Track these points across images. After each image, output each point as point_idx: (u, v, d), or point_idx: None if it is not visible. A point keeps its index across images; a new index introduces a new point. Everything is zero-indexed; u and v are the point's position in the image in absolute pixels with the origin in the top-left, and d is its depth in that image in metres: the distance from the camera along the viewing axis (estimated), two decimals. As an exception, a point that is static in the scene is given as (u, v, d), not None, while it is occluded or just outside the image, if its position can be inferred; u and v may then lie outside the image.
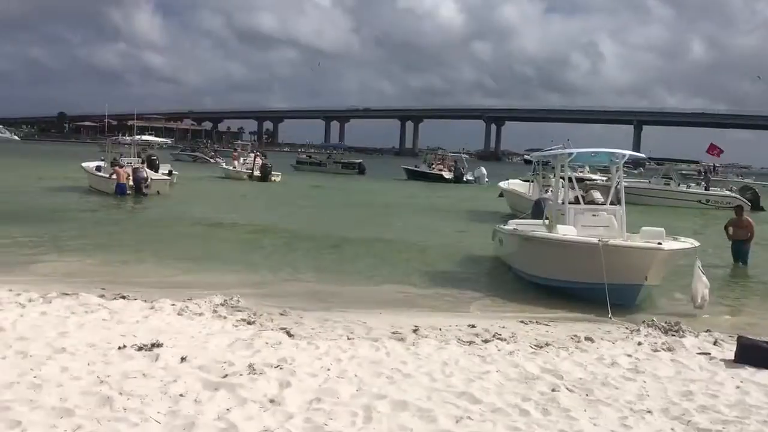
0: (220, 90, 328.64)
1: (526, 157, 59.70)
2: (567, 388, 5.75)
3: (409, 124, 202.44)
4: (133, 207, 23.42)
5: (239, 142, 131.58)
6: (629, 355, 7.01)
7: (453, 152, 61.80)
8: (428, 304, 9.98)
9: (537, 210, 16.71)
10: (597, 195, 16.40)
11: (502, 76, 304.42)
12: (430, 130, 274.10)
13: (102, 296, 8.11)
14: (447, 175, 50.71)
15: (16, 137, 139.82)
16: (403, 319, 8.21)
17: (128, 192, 25.54)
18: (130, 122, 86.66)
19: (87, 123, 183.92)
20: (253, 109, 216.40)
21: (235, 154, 48.99)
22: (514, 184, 26.98)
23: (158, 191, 26.61)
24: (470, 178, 51.16)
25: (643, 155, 25.94)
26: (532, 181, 24.16)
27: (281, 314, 7.99)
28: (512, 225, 14.43)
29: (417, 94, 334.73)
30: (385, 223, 21.06)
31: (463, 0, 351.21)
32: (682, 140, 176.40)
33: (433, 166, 53.50)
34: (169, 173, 30.25)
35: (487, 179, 51.21)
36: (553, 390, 5.66)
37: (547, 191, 23.04)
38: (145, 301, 8.01)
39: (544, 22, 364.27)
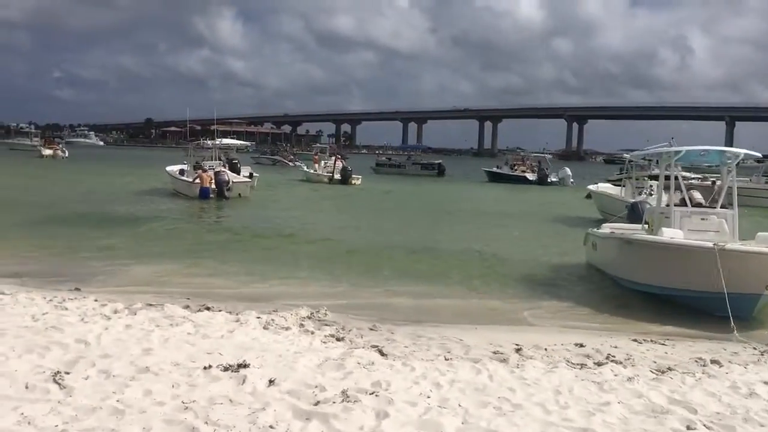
0: (299, 93, 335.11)
1: (625, 155, 57.40)
2: (704, 425, 4.97)
3: (488, 124, 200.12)
4: (215, 211, 23.56)
5: (317, 145, 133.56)
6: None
7: (535, 152, 60.21)
8: (524, 318, 9.28)
9: (634, 214, 15.70)
10: (697, 196, 15.17)
11: (583, 74, 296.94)
12: (510, 130, 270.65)
13: (187, 307, 7.83)
14: (530, 176, 49.24)
15: (101, 143, 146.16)
16: (502, 336, 7.56)
17: (211, 195, 25.81)
18: (212, 127, 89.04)
19: (172, 128, 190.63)
20: (331, 112, 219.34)
21: (316, 157, 49.18)
22: (604, 187, 25.61)
23: (240, 194, 26.78)
24: (554, 179, 49.48)
25: (758, 154, 24.12)
26: (623, 184, 22.95)
27: (371, 329, 7.50)
28: (607, 228, 13.58)
29: (495, 93, 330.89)
30: (470, 230, 20.29)
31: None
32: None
33: (516, 167, 52.07)
34: (250, 176, 30.34)
35: (572, 180, 49.54)
36: (688, 428, 4.89)
37: (640, 193, 21.82)
38: (230, 313, 7.68)
39: (628, 16, 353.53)
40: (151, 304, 7.74)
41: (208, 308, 7.86)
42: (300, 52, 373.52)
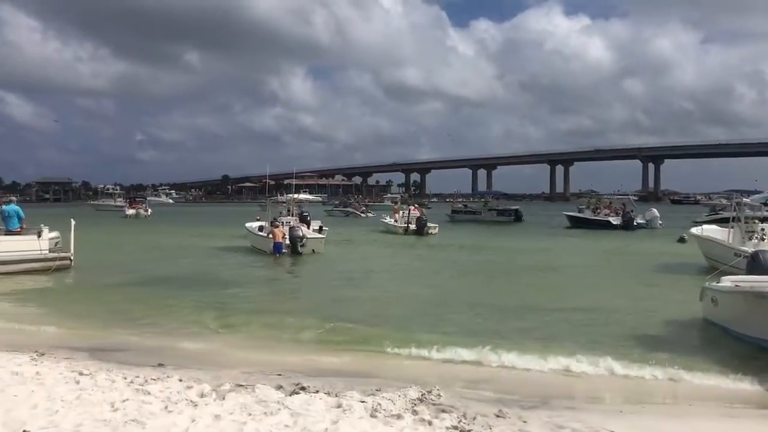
0: (368, 144, 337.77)
1: (721, 200, 54.25)
2: None
3: (559, 168, 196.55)
4: (290, 268, 22.93)
5: (388, 195, 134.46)
6: None
7: (616, 195, 57.74)
8: (670, 395, 7.87)
9: (756, 264, 14.00)
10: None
11: (657, 113, 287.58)
12: (581, 173, 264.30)
13: (279, 387, 6.86)
14: (614, 220, 46.71)
15: (170, 200, 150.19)
16: (660, 425, 6.22)
17: (284, 251, 25.55)
18: (286, 181, 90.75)
19: (247, 184, 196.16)
20: (400, 162, 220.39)
21: (396, 207, 48.62)
22: (710, 231, 23.43)
23: (313, 250, 26.41)
24: (641, 221, 46.95)
25: None
26: (731, 227, 20.90)
27: (497, 416, 6.29)
28: (729, 281, 12.04)
29: (565, 136, 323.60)
30: (566, 284, 18.79)
31: (612, 37, 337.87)
32: None
33: (598, 210, 49.81)
34: (320, 229, 30.13)
35: (660, 222, 46.95)
36: None
37: (750, 238, 19.85)
38: (329, 394, 6.65)
39: (701, 52, 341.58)
40: (240, 385, 6.83)
41: (302, 388, 6.86)
42: (368, 105, 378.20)
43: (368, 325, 11.67)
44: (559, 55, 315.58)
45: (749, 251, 17.22)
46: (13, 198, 25.92)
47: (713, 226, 24.73)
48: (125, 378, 7.01)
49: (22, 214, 20.02)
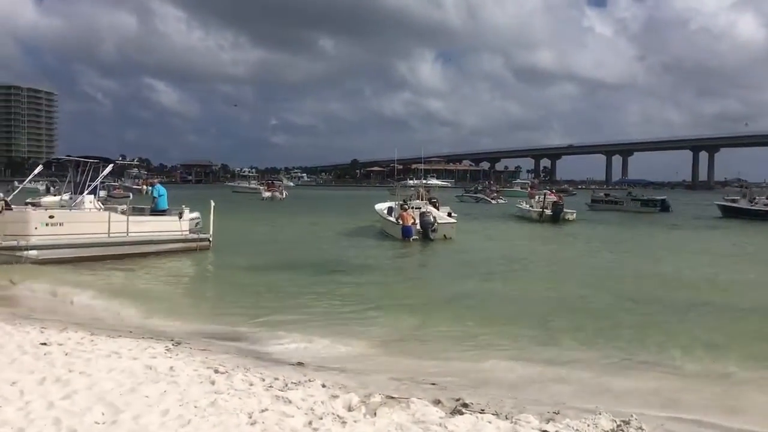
0: (497, 129, 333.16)
1: None
2: None
3: (703, 155, 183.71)
4: (422, 256, 22.05)
5: (517, 180, 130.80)
6: None
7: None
8: None
9: None
10: None
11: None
12: (729, 161, 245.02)
13: (438, 403, 5.80)
14: (774, 210, 42.27)
15: (291, 183, 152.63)
16: None
17: (415, 236, 24.84)
18: (413, 166, 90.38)
19: (376, 168, 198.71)
20: (529, 147, 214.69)
21: (532, 191, 46.64)
22: None
23: (444, 235, 25.49)
24: (809, 213, 42.10)
25: None
26: None
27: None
28: None
29: (711, 121, 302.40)
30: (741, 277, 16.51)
31: (765, 13, 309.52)
32: None
33: (756, 200, 45.12)
34: (448, 215, 29.15)
35: (832, 215, 41.82)
36: None
37: None
38: (498, 415, 5.50)
39: None
40: (392, 397, 5.82)
41: (465, 405, 5.76)
42: (498, 89, 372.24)
43: (521, 325, 10.40)
44: (707, 33, 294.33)
45: None
46: (155, 180, 26.94)
47: None
48: (263, 380, 6.23)
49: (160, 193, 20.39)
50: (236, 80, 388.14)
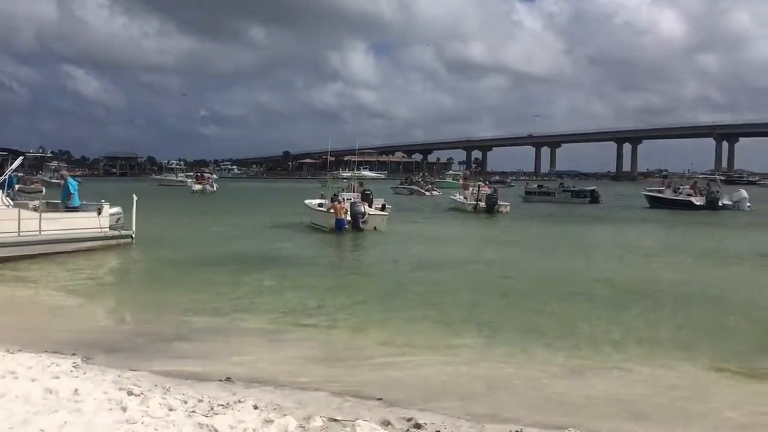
0: (429, 121, 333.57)
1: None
2: None
3: (627, 146, 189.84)
4: (354, 248, 21.62)
5: (450, 172, 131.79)
6: None
7: (704, 174, 54.16)
8: None
9: None
10: None
11: (732, 88, 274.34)
12: (651, 152, 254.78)
13: (387, 425, 5.14)
14: (697, 201, 43.68)
15: (214, 176, 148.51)
16: None
17: (346, 227, 24.66)
18: (346, 157, 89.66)
19: (308, 160, 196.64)
20: (461, 139, 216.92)
21: (467, 183, 46.61)
22: None
23: (375, 227, 25.37)
24: (727, 202, 43.72)
25: None
26: None
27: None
28: None
29: (633, 113, 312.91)
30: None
31: (685, 9, 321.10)
32: None
33: (680, 190, 46.57)
34: (383, 207, 29.23)
35: (749, 204, 43.57)
36: None
37: None
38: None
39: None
40: (335, 420, 5.14)
41: (418, 426, 5.12)
42: (430, 81, 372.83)
43: (460, 327, 9.86)
44: (630, 28, 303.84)
45: None
46: (64, 172, 25.27)
47: None
48: (185, 402, 5.43)
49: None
50: (163, 69, 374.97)
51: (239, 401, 5.57)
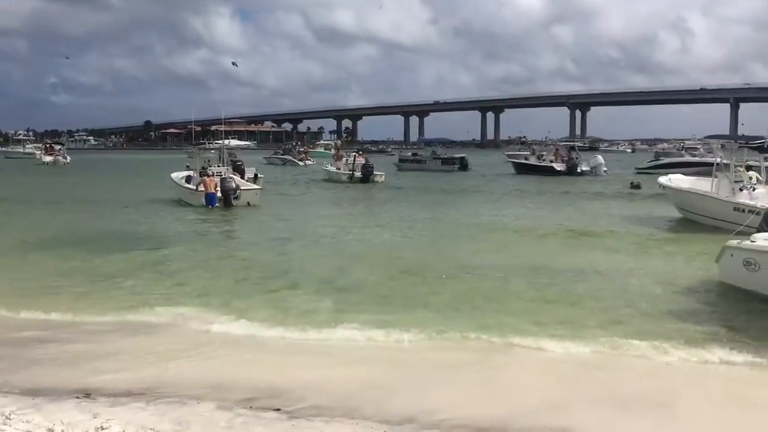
0: (298, 90, 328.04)
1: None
2: None
3: (490, 115, 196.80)
4: (225, 224, 20.51)
5: (321, 142, 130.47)
6: None
7: (564, 141, 56.82)
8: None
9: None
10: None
11: (584, 60, 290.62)
12: (512, 120, 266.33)
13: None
14: (558, 167, 45.80)
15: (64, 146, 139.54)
16: None
17: (217, 204, 23.55)
18: (213, 127, 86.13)
19: (172, 130, 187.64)
20: (331, 108, 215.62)
21: (340, 153, 45.86)
22: (679, 180, 21.82)
23: (248, 202, 24.33)
24: (585, 168, 46.19)
25: None
26: (714, 176, 19.26)
27: None
28: (765, 240, 10.46)
29: (496, 83, 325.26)
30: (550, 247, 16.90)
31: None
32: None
33: (544, 157, 48.68)
34: (255, 177, 28.56)
35: (605, 169, 46.32)
36: None
37: (741, 189, 18.37)
38: None
39: (628, 0, 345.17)
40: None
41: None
42: (298, 49, 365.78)
43: (346, 312, 9.22)
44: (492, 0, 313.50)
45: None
46: None
47: (679, 175, 23.14)
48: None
49: None
50: (7, 32, 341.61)
51: (102, 427, 4.65)
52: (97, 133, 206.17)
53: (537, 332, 7.84)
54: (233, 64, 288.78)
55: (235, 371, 6.59)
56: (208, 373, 6.51)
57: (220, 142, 33.16)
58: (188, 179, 26.54)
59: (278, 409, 5.39)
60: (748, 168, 19.55)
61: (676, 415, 5.46)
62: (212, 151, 30.41)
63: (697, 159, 43.11)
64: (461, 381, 6.26)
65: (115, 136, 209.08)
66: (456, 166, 52.51)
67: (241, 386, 6.01)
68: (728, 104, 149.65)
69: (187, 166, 28.84)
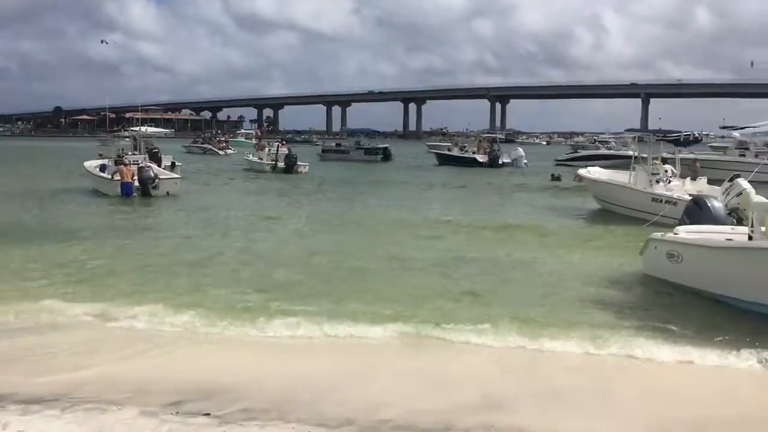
0: (218, 78, 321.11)
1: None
2: None
3: (412, 106, 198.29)
4: (141, 216, 19.63)
5: (242, 131, 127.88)
6: None
7: (485, 132, 57.75)
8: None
9: (697, 213, 12.85)
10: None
11: (503, 54, 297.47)
12: (434, 112, 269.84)
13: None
14: (481, 158, 46.52)
15: None
16: None
17: (134, 193, 22.74)
18: (128, 114, 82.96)
19: (84, 117, 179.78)
20: (252, 97, 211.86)
21: (261, 143, 44.86)
22: (598, 173, 22.48)
23: (168, 192, 23.63)
24: (507, 160, 47.08)
25: None
26: (633, 169, 19.86)
27: None
28: (687, 233, 10.84)
29: (418, 75, 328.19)
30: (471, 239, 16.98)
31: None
32: (691, 112, 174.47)
33: (466, 148, 49.35)
34: (173, 166, 27.71)
35: (525, 161, 47.35)
36: None
37: (658, 181, 19.03)
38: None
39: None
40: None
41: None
42: (218, 35, 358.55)
43: (272, 306, 8.90)
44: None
45: (684, 197, 16.32)
46: None
47: (597, 168, 23.89)
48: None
49: None
50: None
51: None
52: (2, 119, 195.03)
53: (468, 328, 7.74)
54: (102, 41, 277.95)
55: (159, 372, 6.20)
56: (129, 375, 6.08)
57: (136, 129, 31.87)
58: (102, 168, 25.44)
59: (208, 414, 5.05)
60: (664, 161, 20.30)
61: (606, 410, 5.47)
62: (127, 139, 29.33)
63: (613, 152, 44.90)
64: (399, 378, 6.10)
65: (23, 123, 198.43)
66: (379, 156, 52.51)
67: (166, 388, 5.62)
68: (639, 99, 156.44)
69: (100, 155, 27.86)
